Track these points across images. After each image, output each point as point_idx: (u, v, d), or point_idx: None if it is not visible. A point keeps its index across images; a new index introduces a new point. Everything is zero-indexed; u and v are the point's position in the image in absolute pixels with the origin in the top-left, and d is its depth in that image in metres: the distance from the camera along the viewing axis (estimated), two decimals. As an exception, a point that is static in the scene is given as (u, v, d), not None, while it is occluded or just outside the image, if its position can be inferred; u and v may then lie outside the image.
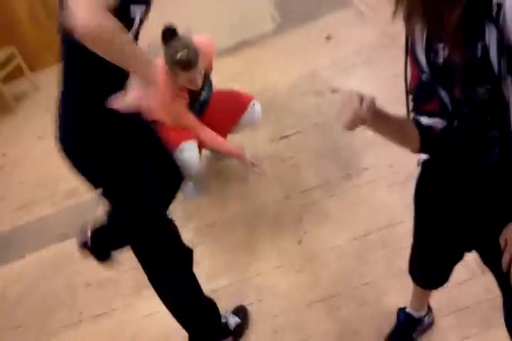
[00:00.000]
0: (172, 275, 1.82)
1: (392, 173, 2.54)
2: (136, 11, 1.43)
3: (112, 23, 1.24)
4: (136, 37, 1.50)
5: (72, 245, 2.90)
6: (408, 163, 2.37)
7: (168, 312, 1.88)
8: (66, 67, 1.52)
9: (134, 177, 1.64)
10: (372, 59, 3.46)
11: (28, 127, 4.34)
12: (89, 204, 3.13)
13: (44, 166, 3.64)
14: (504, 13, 0.96)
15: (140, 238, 1.74)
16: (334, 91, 3.28)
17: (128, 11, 1.41)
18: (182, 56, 2.32)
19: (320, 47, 3.87)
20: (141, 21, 1.47)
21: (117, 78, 1.45)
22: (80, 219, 3.05)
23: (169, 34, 2.38)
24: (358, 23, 3.95)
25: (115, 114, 1.41)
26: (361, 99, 1.08)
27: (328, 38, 3.94)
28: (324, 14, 4.26)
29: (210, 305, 1.97)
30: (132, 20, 1.42)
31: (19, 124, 4.45)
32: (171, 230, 1.80)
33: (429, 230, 1.44)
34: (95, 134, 1.53)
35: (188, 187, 2.90)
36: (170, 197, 2.02)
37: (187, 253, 1.84)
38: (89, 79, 1.49)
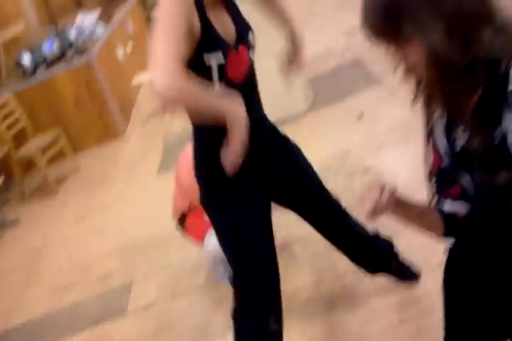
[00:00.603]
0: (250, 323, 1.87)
1: (424, 259, 2.43)
2: (211, 58, 1.56)
3: (191, 85, 1.41)
4: (222, 79, 1.59)
5: (102, 332, 2.90)
6: (438, 249, 2.35)
7: None
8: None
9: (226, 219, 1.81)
10: (405, 136, 3.45)
11: (67, 209, 4.47)
12: (121, 289, 3.16)
13: (80, 249, 3.71)
14: None
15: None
16: (367, 171, 3.28)
17: (202, 59, 1.55)
18: None
19: (352, 125, 3.91)
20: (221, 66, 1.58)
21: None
22: (112, 304, 3.07)
23: None
24: (389, 100, 3.99)
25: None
26: (382, 189, 1.12)
27: (360, 116, 3.99)
28: (356, 92, 4.33)
29: None
30: (209, 68, 1.56)
31: (59, 206, 4.59)
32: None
33: (460, 319, 1.38)
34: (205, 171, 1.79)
35: (218, 271, 2.88)
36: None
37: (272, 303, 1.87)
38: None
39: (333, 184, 3.29)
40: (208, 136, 1.71)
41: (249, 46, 1.68)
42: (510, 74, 1.00)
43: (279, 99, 4.40)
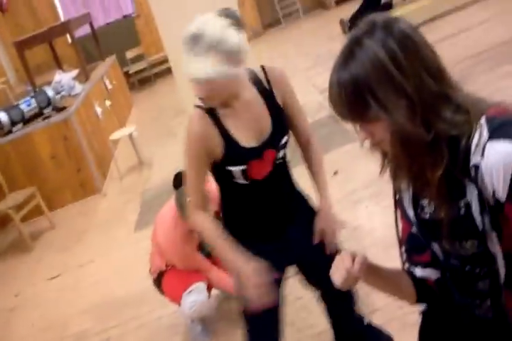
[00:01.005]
0: None
1: (403, 315, 2.48)
2: (235, 170, 1.68)
3: (202, 225, 1.74)
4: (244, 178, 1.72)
5: None
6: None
7: None
8: None
9: None
10: (380, 194, 3.54)
11: (41, 266, 4.40)
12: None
13: (54, 307, 3.64)
14: (481, 175, 1.03)
15: None
16: (343, 225, 3.34)
17: (226, 172, 1.69)
18: None
19: (329, 180, 4.01)
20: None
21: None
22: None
23: (180, 179, 2.49)
24: (364, 157, 4.09)
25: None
26: (353, 258, 1.15)
27: (335, 173, 4.09)
28: (332, 149, 4.45)
29: None
30: (231, 171, 1.69)
31: (34, 263, 4.52)
32: None
33: None
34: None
35: (195, 330, 2.85)
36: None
37: None
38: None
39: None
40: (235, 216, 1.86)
41: (278, 149, 1.72)
42: (471, 150, 1.03)
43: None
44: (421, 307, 1.36)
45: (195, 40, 1.52)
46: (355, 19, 7.92)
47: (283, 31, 10.51)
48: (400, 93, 1.01)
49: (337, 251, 1.88)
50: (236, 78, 1.60)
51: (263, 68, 1.74)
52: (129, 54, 10.36)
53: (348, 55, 1.04)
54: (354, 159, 4.15)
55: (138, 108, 9.11)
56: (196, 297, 2.65)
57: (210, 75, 1.53)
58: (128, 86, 9.58)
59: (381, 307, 2.60)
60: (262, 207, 1.80)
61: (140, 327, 3.15)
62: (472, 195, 1.05)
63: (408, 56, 1.01)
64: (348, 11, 8.52)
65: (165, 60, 10.02)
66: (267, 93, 1.71)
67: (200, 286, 2.67)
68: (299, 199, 1.94)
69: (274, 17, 11.15)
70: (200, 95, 1.60)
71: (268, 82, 1.72)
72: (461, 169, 1.05)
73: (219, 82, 1.55)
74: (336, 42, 7.88)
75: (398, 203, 1.24)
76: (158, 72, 10.48)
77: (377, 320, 2.49)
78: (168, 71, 9.95)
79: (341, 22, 8.09)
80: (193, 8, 3.99)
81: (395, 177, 1.19)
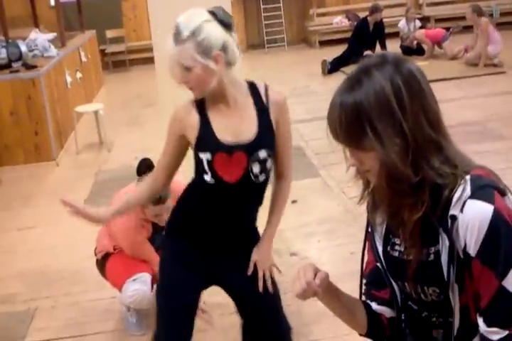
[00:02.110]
0: None
1: None
2: (203, 157, 1.78)
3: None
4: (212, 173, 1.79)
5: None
6: (356, 341, 2.51)
7: None
8: None
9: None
10: (332, 232, 3.68)
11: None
12: (23, 316, 3.01)
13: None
14: (457, 227, 1.06)
15: None
16: (293, 254, 3.46)
17: (198, 162, 1.81)
18: None
19: (286, 208, 4.12)
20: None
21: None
22: (10, 328, 2.91)
23: (144, 166, 2.52)
24: (324, 194, 4.27)
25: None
26: (316, 272, 1.15)
27: (294, 201, 4.21)
28: (294, 179, 4.56)
29: None
30: (202, 160, 1.78)
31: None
32: None
33: None
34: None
35: (131, 320, 2.84)
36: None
37: None
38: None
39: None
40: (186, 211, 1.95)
41: (252, 159, 1.75)
42: (451, 202, 1.05)
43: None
44: None
45: (178, 29, 1.66)
46: (336, 63, 8.26)
47: (265, 56, 10.72)
48: (397, 130, 1.03)
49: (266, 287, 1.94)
50: (213, 72, 1.67)
51: (266, 85, 1.84)
52: (109, 33, 10.22)
53: (355, 81, 1.06)
54: (313, 194, 4.30)
55: (107, 89, 8.95)
56: (140, 286, 2.64)
57: (185, 62, 1.66)
58: (102, 65, 9.42)
59: (317, 339, 2.68)
60: (214, 217, 1.85)
61: (72, 304, 3.09)
62: (444, 245, 1.08)
63: (411, 95, 1.04)
64: (330, 53, 8.88)
65: (144, 49, 9.96)
66: (262, 107, 1.79)
67: (146, 276, 2.67)
68: (252, 238, 1.96)
69: (259, 40, 11.36)
70: (178, 82, 1.74)
71: (267, 99, 1.80)
72: (438, 217, 1.08)
73: (195, 72, 1.66)
74: (313, 80, 8.18)
75: (369, 235, 1.25)
76: (134, 59, 10.37)
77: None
78: (145, 60, 9.90)
79: (323, 62, 8.38)
80: (186, 2, 4.08)
81: (372, 210, 1.21)
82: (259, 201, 1.90)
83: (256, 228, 2.00)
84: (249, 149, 1.76)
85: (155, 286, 2.81)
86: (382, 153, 1.04)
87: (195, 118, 1.77)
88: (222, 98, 1.77)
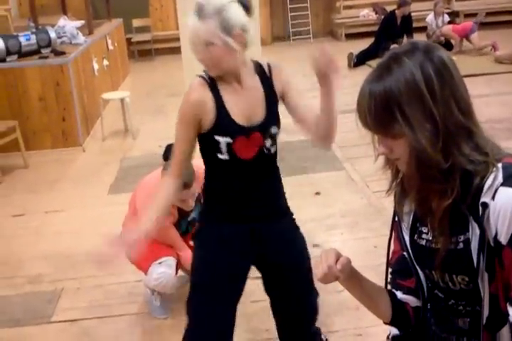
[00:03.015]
0: None
1: None
2: (220, 138, 1.77)
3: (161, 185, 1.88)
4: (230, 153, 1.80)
5: (21, 333, 2.80)
6: (378, 334, 2.50)
7: None
8: None
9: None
10: (356, 224, 3.68)
11: (7, 202, 4.31)
12: (49, 296, 3.08)
13: (12, 246, 3.58)
14: (488, 215, 1.04)
15: None
16: (315, 245, 3.47)
17: (213, 143, 1.79)
18: None
19: (308, 199, 4.11)
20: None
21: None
22: (37, 307, 2.98)
23: (170, 152, 2.58)
24: (347, 187, 4.26)
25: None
26: (338, 257, 1.16)
27: (317, 193, 4.23)
28: (317, 171, 4.60)
29: None
30: (218, 142, 1.78)
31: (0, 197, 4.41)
32: None
33: None
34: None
35: (155, 303, 2.89)
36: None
37: None
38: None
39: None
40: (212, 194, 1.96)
41: (266, 136, 1.82)
42: (483, 189, 1.04)
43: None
44: (392, 331, 1.37)
45: (201, 7, 1.71)
46: (362, 57, 8.21)
47: (290, 48, 10.69)
48: (427, 116, 1.03)
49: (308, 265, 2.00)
50: (233, 50, 1.72)
51: (268, 63, 1.90)
52: (136, 22, 10.28)
53: (385, 69, 1.06)
54: (337, 187, 4.30)
55: (133, 77, 9.02)
56: (165, 269, 2.67)
57: (207, 37, 1.69)
58: (128, 53, 9.49)
59: (339, 330, 2.68)
60: (238, 191, 1.88)
61: (97, 287, 3.15)
62: (474, 233, 1.07)
63: (442, 83, 1.03)
64: (356, 46, 8.82)
65: (169, 39, 10.01)
66: (267, 81, 1.85)
67: (171, 260, 2.70)
68: (281, 204, 2.02)
69: (284, 32, 11.34)
70: (198, 59, 1.76)
71: (270, 74, 1.87)
72: (468, 205, 1.07)
73: (216, 48, 1.70)
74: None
75: (395, 225, 1.25)
76: (159, 49, 10.43)
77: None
78: (170, 50, 9.96)
79: (349, 55, 8.33)
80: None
81: (399, 199, 1.20)
82: (273, 170, 1.96)
83: (286, 202, 2.05)
84: (263, 128, 1.82)
85: (179, 271, 2.87)
86: (412, 138, 1.04)
87: (210, 100, 1.78)
88: (236, 78, 1.80)
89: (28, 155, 5.05)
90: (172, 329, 2.76)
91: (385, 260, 1.33)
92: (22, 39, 5.40)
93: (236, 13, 1.72)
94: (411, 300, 1.27)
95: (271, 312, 2.81)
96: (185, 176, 2.44)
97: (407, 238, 1.22)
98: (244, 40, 1.74)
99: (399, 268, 1.29)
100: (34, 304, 3.00)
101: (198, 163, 2.67)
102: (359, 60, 8.22)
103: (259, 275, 3.01)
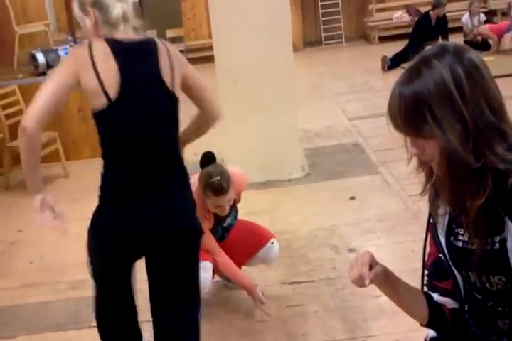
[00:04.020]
0: None
1: None
2: None
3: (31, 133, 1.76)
4: None
5: (64, 337, 2.88)
6: (415, 339, 2.48)
7: None
8: None
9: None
10: (392, 229, 3.65)
11: (49, 210, 4.43)
12: (91, 301, 3.15)
13: (55, 252, 3.69)
14: None
15: None
16: (351, 250, 3.47)
17: None
18: (215, 181, 2.51)
19: (343, 204, 4.11)
20: None
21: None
22: (79, 312, 3.06)
23: (207, 159, 2.61)
24: (383, 192, 4.23)
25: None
26: (371, 261, 1.19)
27: (352, 198, 4.21)
28: (352, 176, 4.58)
29: None
30: None
31: (41, 205, 4.54)
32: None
33: None
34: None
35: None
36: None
37: None
38: None
39: (317, 254, 3.46)
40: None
41: None
42: None
43: (275, 161, 4.63)
44: (430, 334, 1.38)
45: None
46: (396, 59, 8.15)
47: (322, 52, 10.70)
48: (458, 117, 1.03)
49: None
50: (83, 24, 1.94)
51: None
52: (169, 33, 10.45)
53: (415, 72, 1.07)
54: (372, 191, 4.27)
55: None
56: (202, 273, 2.72)
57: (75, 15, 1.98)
58: (162, 63, 9.66)
59: (377, 335, 2.66)
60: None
61: (139, 292, 3.21)
62: (509, 233, 1.08)
63: (472, 84, 1.04)
64: (390, 49, 8.75)
65: (202, 48, 10.15)
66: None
67: (208, 265, 2.73)
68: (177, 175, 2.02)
69: (316, 37, 11.35)
70: None
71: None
72: (503, 205, 1.07)
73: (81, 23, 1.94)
74: (371, 76, 8.10)
75: (431, 227, 1.26)
76: (192, 58, 10.57)
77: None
78: (203, 59, 10.09)
79: (383, 58, 8.29)
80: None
81: (434, 201, 1.21)
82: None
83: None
84: None
85: (215, 276, 2.91)
86: (442, 139, 1.04)
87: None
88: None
89: (67, 164, 5.20)
90: (209, 334, 2.80)
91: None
92: (61, 53, 5.59)
93: None
94: (448, 302, 1.28)
95: (307, 316, 2.85)
96: (221, 181, 2.51)
97: (442, 240, 1.23)
98: (96, 17, 1.89)
99: (435, 270, 1.30)
100: (77, 309, 3.08)
101: (234, 169, 2.73)
102: (393, 63, 8.17)
103: (295, 280, 3.05)
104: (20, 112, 5.14)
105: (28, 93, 5.24)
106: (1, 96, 5.03)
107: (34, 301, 3.20)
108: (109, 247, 2.01)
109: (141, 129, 1.88)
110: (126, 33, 1.91)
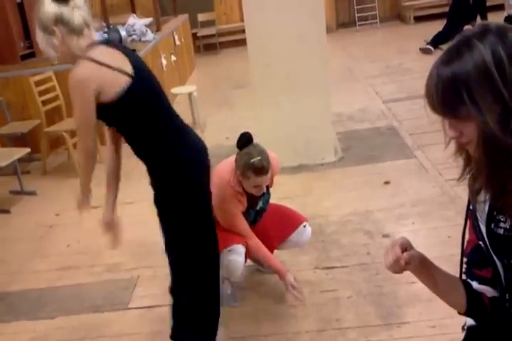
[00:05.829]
0: None
1: (433, 335, 2.52)
2: None
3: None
4: None
5: (100, 318, 2.95)
6: (452, 326, 2.45)
7: None
8: None
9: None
10: (428, 214, 3.58)
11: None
12: (126, 283, 3.22)
13: (91, 235, 3.75)
14: None
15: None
16: (385, 236, 3.42)
17: None
18: (256, 161, 2.50)
19: (377, 189, 4.05)
20: None
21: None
22: (115, 294, 3.12)
23: (245, 140, 2.59)
24: (418, 176, 4.14)
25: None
26: (406, 247, 1.18)
27: (386, 182, 4.14)
28: (386, 160, 4.50)
29: None
30: None
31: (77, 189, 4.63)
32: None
33: None
34: None
35: (226, 292, 2.93)
36: None
37: None
38: None
39: (351, 239, 3.42)
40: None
41: None
42: None
43: (308, 145, 4.59)
44: (468, 322, 1.36)
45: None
46: (434, 40, 7.93)
47: (355, 34, 10.52)
48: (497, 98, 1.00)
49: None
50: (53, 46, 2.04)
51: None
52: (201, 17, 10.43)
53: (455, 53, 1.04)
54: (407, 175, 4.19)
55: (199, 71, 9.17)
56: (235, 257, 2.71)
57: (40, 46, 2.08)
58: (193, 48, 9.66)
59: (411, 322, 2.64)
60: None
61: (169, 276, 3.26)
62: None
63: None
64: (426, 28, 8.53)
65: (233, 32, 10.10)
66: None
67: (241, 248, 2.73)
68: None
69: (349, 18, 11.15)
70: None
71: None
72: None
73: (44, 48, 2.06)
74: (406, 57, 7.92)
75: (470, 214, 1.23)
76: (224, 42, 10.54)
77: (402, 333, 2.56)
78: (234, 43, 10.06)
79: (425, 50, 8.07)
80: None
81: (473, 187, 1.18)
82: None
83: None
84: None
85: (248, 260, 2.92)
86: (480, 120, 1.01)
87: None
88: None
89: (101, 149, 5.25)
90: (243, 317, 2.82)
91: (459, 250, 1.31)
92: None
93: (45, 11, 2.00)
94: (487, 291, 1.25)
95: (340, 302, 2.84)
96: (262, 160, 2.50)
97: (483, 227, 1.19)
98: (61, 32, 2.00)
99: (474, 258, 1.28)
100: (112, 291, 3.15)
101: (271, 154, 2.71)
102: (432, 45, 7.97)
103: (328, 265, 3.03)
104: (56, 98, 5.23)
105: (64, 79, 5.31)
106: (38, 82, 5.09)
107: (71, 283, 3.29)
108: (198, 166, 2.35)
109: (158, 90, 2.26)
110: (92, 35, 2.09)
